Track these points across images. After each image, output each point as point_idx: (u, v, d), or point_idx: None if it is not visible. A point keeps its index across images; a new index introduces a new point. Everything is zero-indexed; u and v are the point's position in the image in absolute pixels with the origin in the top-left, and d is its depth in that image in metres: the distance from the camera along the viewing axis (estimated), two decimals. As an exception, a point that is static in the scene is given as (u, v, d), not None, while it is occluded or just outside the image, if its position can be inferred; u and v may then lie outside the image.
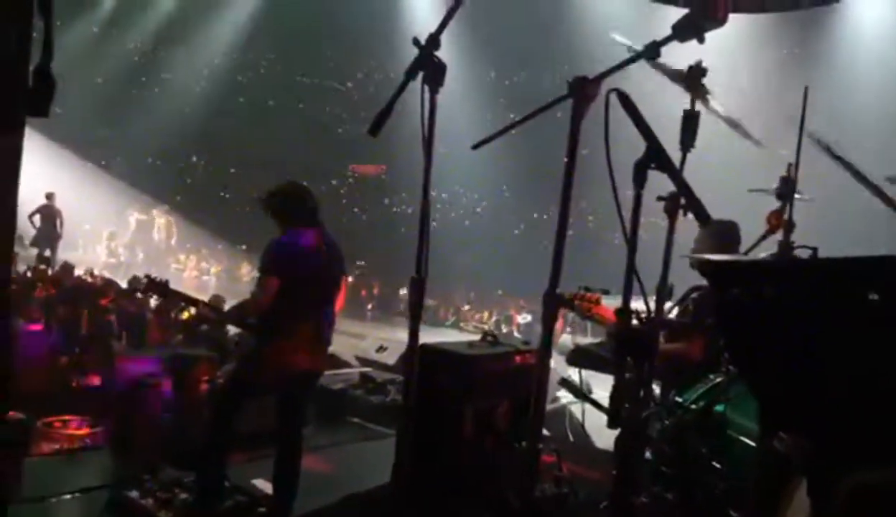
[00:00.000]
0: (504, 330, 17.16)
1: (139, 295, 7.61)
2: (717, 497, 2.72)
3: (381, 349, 8.49)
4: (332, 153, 20.18)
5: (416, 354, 2.18)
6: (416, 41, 2.12)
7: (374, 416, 6.27)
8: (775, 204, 3.00)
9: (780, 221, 2.77)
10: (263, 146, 19.45)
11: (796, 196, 2.78)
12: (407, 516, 2.26)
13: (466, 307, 19.67)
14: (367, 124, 2.16)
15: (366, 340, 9.56)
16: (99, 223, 19.53)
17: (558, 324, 11.26)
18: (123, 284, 9.04)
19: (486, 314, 19.15)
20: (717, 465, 2.88)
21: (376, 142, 2.16)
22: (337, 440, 5.78)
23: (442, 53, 2.13)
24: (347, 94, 20.22)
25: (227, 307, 4.99)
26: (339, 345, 8.90)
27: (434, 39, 2.11)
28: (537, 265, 2.05)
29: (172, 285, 4.12)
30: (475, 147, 2.22)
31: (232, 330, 6.34)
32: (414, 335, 2.18)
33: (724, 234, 3.64)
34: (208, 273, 20.97)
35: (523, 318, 17.77)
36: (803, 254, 2.68)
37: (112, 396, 5.24)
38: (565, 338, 11.46)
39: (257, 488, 4.18)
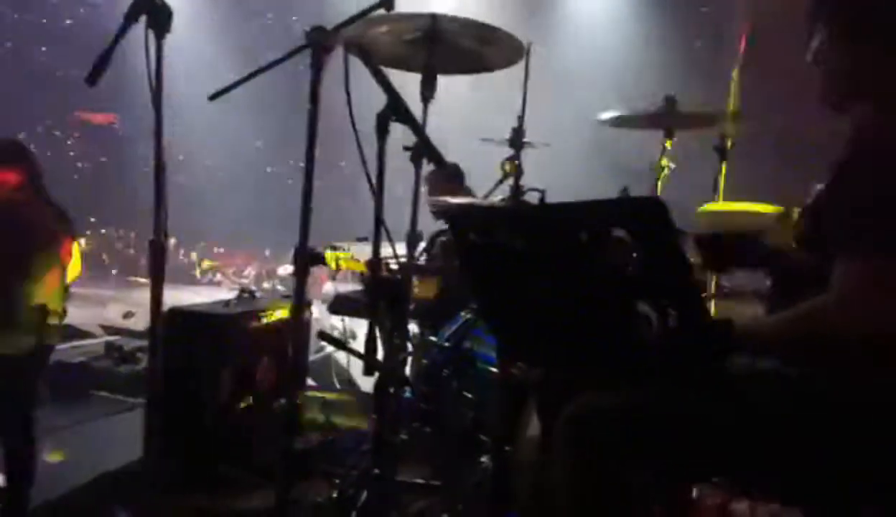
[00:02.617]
0: (267, 285, 16.74)
1: None
2: (467, 425, 2.96)
3: (128, 315, 7.90)
4: (53, 100, 17.78)
5: (161, 321, 2.05)
6: None
7: (125, 388, 5.82)
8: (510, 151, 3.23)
9: (513, 167, 3.01)
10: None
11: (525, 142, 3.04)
12: (159, 488, 2.17)
13: (226, 264, 18.84)
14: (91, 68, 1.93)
15: (110, 306, 8.84)
16: None
17: (322, 274, 11.25)
18: None
19: (247, 269, 18.51)
20: (469, 396, 3.11)
21: (105, 87, 1.94)
22: (82, 417, 5.28)
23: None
24: (68, 33, 17.83)
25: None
26: (80, 314, 8.09)
27: (155, -23, 1.93)
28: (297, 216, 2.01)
29: None
30: (212, 98, 2.10)
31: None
32: (157, 300, 2.04)
33: (450, 175, 4.09)
34: None
35: (284, 270, 17.44)
36: (534, 195, 2.95)
37: None
38: (328, 287, 11.46)
39: (-15, 487, 3.73)
